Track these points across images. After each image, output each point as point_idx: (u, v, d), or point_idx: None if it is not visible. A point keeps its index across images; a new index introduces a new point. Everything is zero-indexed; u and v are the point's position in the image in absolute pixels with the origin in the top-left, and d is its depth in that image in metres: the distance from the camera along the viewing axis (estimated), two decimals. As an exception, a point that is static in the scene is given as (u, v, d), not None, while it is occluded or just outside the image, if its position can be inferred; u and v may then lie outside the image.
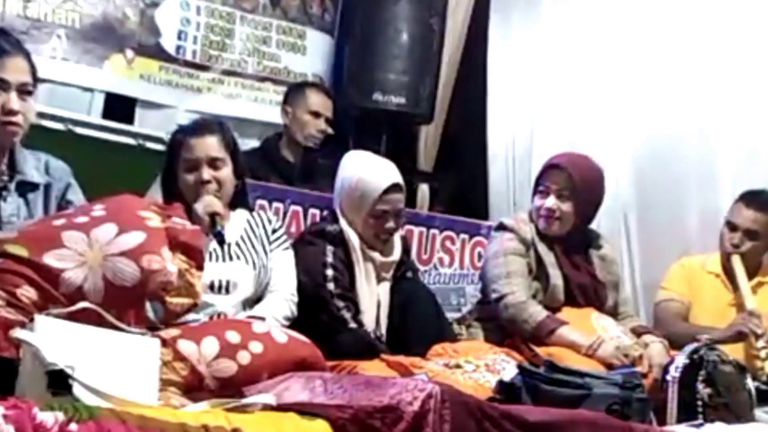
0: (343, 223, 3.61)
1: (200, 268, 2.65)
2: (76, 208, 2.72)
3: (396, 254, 3.71)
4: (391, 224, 3.62)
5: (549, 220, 3.82)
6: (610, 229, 4.85)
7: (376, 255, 3.63)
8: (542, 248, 3.81)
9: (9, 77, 2.72)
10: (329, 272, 3.49)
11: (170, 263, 2.51)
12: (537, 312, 3.64)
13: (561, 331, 3.60)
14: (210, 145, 3.27)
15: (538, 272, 3.79)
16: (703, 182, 4.91)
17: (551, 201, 3.80)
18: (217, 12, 5.35)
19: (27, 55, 2.79)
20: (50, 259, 2.41)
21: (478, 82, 5.72)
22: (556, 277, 3.78)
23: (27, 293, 2.36)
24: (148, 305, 2.45)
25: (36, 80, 2.82)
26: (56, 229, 2.48)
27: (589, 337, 3.58)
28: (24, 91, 2.75)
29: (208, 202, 3.17)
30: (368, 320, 3.53)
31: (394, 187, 3.61)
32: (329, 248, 3.53)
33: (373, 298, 3.58)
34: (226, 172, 3.28)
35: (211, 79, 5.33)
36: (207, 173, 3.23)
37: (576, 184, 3.80)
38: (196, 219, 3.08)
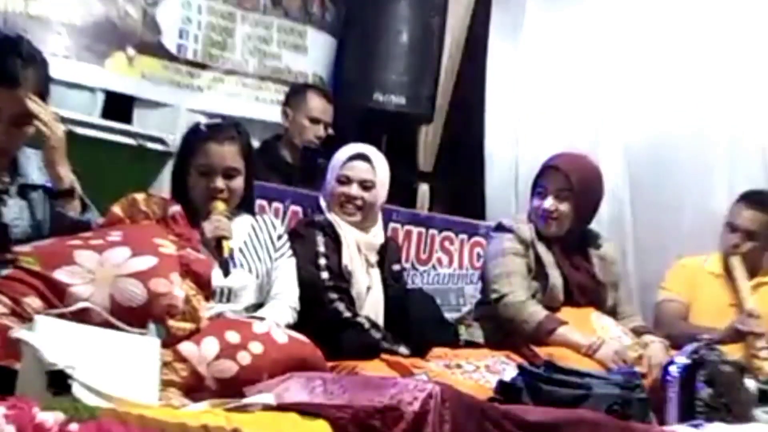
0: (325, 208, 3.65)
1: (207, 298, 2.67)
2: (94, 232, 2.71)
3: (378, 237, 3.74)
4: (354, 191, 3.65)
5: (547, 221, 3.82)
6: (606, 229, 4.85)
7: (359, 234, 3.64)
8: (541, 248, 3.82)
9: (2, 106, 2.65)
10: (322, 261, 3.51)
11: (178, 288, 2.53)
12: (537, 312, 3.64)
13: (561, 330, 3.60)
14: (228, 154, 3.22)
15: (538, 272, 3.79)
16: (700, 182, 4.92)
17: (549, 202, 3.81)
18: (219, 11, 5.34)
19: (33, 78, 2.68)
20: (60, 274, 2.43)
21: (478, 83, 5.73)
22: (555, 277, 3.78)
23: (32, 303, 2.37)
24: (151, 326, 2.45)
25: (43, 95, 2.73)
26: (70, 248, 2.51)
27: (589, 337, 3.58)
28: (18, 123, 2.68)
29: (217, 225, 3.12)
30: (363, 306, 3.55)
31: (358, 156, 3.70)
32: (319, 238, 3.55)
33: (364, 283, 3.60)
34: (239, 181, 3.25)
35: (212, 78, 5.32)
36: (221, 182, 3.20)
37: (573, 184, 3.81)
38: (204, 239, 3.05)
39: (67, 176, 2.79)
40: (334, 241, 3.58)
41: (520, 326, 3.63)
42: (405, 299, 3.74)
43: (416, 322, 3.63)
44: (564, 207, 3.81)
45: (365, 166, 3.70)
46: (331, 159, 3.78)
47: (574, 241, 3.90)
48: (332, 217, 3.65)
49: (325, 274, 3.48)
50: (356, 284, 3.57)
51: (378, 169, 3.72)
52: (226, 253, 3.10)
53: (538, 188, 3.88)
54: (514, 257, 3.77)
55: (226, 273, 3.11)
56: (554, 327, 3.61)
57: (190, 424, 2.09)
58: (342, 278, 3.53)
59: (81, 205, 2.82)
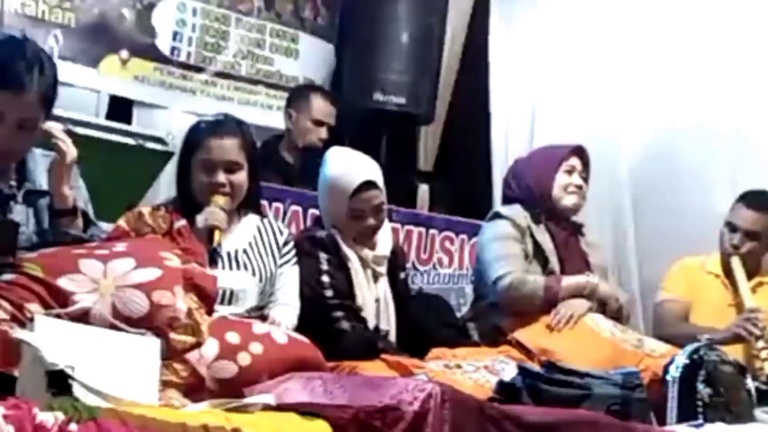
0: (328, 227, 3.56)
1: (210, 312, 2.66)
2: (98, 242, 2.71)
3: (386, 247, 3.65)
4: (371, 222, 3.53)
5: (578, 197, 3.93)
6: (611, 228, 4.86)
7: (366, 251, 3.57)
8: (540, 235, 3.85)
9: (6, 110, 2.62)
10: (325, 279, 3.43)
11: (181, 301, 2.52)
12: (537, 279, 3.73)
13: (564, 284, 3.71)
14: (229, 148, 3.20)
15: (536, 258, 3.82)
16: (702, 182, 4.92)
17: (578, 179, 3.94)
18: (213, 14, 5.35)
19: (39, 81, 2.63)
20: (64, 281, 2.42)
21: (478, 82, 5.73)
22: (554, 263, 3.83)
23: (34, 310, 2.35)
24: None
25: (48, 105, 2.70)
26: (74, 256, 2.50)
27: (583, 277, 3.77)
28: (25, 127, 2.65)
29: (209, 215, 3.12)
30: (369, 318, 3.51)
31: (366, 185, 3.50)
32: (322, 255, 3.47)
33: (371, 296, 3.56)
34: (242, 176, 3.22)
35: (205, 80, 5.33)
36: (222, 177, 3.18)
37: (589, 167, 4.00)
38: (196, 230, 3.05)
39: (71, 195, 2.78)
40: (337, 257, 3.50)
41: (527, 299, 3.67)
42: (420, 303, 3.74)
43: (432, 327, 3.61)
44: (585, 186, 3.98)
45: (374, 192, 3.52)
46: (327, 171, 3.60)
47: (570, 225, 3.98)
48: (338, 237, 3.53)
49: (329, 292, 3.42)
50: (362, 299, 3.51)
51: (382, 186, 3.58)
52: (215, 242, 3.09)
53: (564, 167, 3.94)
54: (510, 241, 3.81)
55: (213, 262, 3.08)
56: (558, 284, 3.70)
57: (190, 424, 2.09)
58: (346, 295, 3.46)
59: (85, 222, 2.80)
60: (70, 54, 4.86)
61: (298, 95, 4.89)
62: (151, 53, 5.15)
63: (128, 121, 5.07)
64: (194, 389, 2.48)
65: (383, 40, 5.37)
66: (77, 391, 2.08)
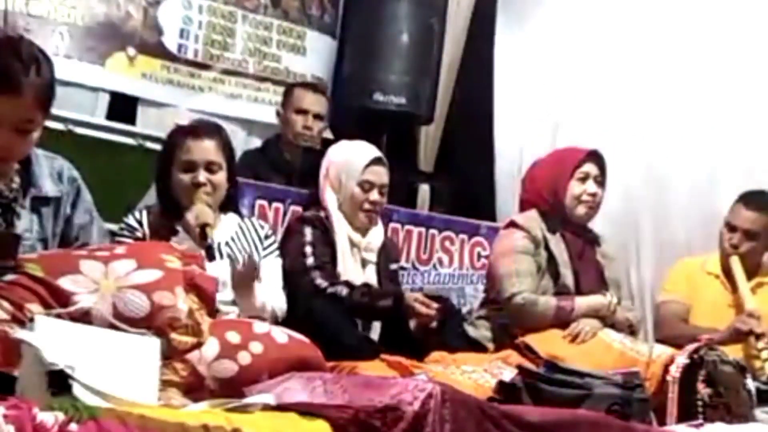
0: (330, 206, 3.67)
1: (210, 313, 2.66)
2: (99, 245, 2.72)
3: (378, 239, 3.77)
4: (375, 196, 3.70)
5: (592, 206, 3.91)
6: (621, 230, 4.85)
7: (358, 237, 3.69)
8: (555, 246, 3.84)
9: (2, 113, 2.56)
10: (308, 249, 3.56)
11: (182, 301, 2.52)
12: (548, 300, 3.73)
13: (577, 306, 3.71)
14: (208, 148, 3.28)
15: (549, 271, 3.82)
16: (706, 183, 4.91)
17: (593, 187, 3.89)
18: (219, 11, 5.36)
19: (35, 82, 2.57)
20: (64, 282, 2.42)
21: (479, 83, 5.73)
22: (566, 277, 3.82)
23: (35, 310, 2.34)
24: (153, 339, 2.46)
25: (46, 105, 2.64)
26: (75, 257, 2.51)
27: (603, 298, 3.75)
28: (22, 130, 2.60)
29: (199, 213, 3.17)
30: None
31: (378, 160, 3.74)
32: (308, 230, 3.60)
33: (358, 279, 3.62)
34: (221, 176, 3.29)
35: (213, 78, 5.34)
36: (203, 176, 3.25)
37: (605, 171, 3.95)
38: (187, 228, 3.13)
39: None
40: (324, 235, 3.62)
41: (537, 321, 3.69)
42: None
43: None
44: (601, 192, 3.93)
45: (383, 170, 3.75)
46: (334, 157, 3.76)
47: (585, 236, 3.96)
48: (338, 218, 3.65)
49: (310, 260, 3.54)
50: (346, 275, 3.60)
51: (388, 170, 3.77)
52: (209, 239, 3.13)
53: (578, 174, 3.91)
54: (524, 256, 3.81)
55: (212, 258, 3.12)
56: (572, 304, 3.71)
57: (190, 424, 2.09)
58: (329, 263, 3.57)
59: None
60: (75, 52, 4.86)
61: (285, 94, 4.91)
62: (159, 51, 5.16)
63: (131, 121, 5.08)
64: (194, 388, 2.49)
65: (384, 40, 5.38)
66: (77, 391, 2.08)
